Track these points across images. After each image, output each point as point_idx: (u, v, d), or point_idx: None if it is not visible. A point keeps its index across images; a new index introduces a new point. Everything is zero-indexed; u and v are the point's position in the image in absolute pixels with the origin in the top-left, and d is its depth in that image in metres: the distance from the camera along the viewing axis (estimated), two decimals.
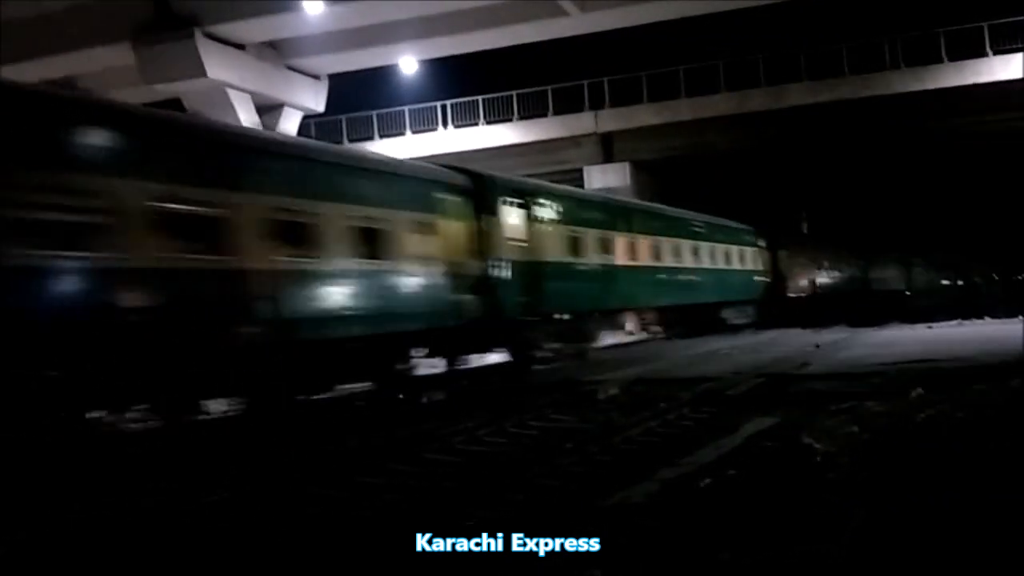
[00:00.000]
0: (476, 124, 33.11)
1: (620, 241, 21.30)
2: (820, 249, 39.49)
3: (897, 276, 43.48)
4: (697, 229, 26.81)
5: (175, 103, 23.54)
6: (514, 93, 32.75)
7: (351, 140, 33.45)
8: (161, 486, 7.93)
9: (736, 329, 27.22)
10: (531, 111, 32.63)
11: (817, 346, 19.89)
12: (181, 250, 10.53)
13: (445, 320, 14.85)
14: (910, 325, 25.87)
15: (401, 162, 16.63)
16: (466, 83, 32.99)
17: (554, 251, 18.30)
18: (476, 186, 16.16)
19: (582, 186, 30.63)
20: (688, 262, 25.48)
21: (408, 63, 26.90)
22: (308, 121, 29.01)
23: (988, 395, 9.87)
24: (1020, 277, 45.22)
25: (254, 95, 24.12)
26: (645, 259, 22.53)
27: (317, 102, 26.78)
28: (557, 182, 26.09)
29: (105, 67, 24.14)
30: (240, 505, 7.22)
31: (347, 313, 12.79)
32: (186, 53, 22.04)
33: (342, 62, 25.87)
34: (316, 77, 26.38)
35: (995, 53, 27.47)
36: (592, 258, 19.84)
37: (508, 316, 16.50)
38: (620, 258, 21.12)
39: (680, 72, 31.10)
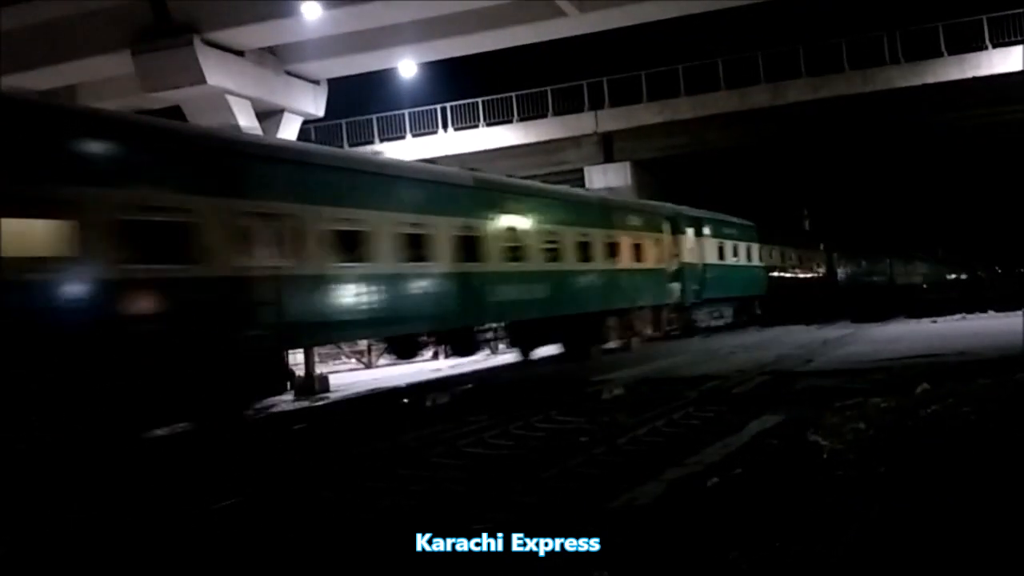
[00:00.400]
0: (476, 126, 33.10)
1: (741, 247, 28.93)
2: (860, 249, 42.15)
3: (914, 271, 46.19)
4: (779, 237, 34.05)
5: (175, 111, 23.57)
6: (514, 94, 32.75)
7: (351, 144, 33.45)
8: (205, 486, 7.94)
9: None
10: (531, 112, 32.64)
11: (825, 343, 19.93)
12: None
13: (663, 301, 23.15)
14: (915, 320, 25.80)
15: (647, 202, 25.15)
16: (466, 85, 33.07)
17: (710, 256, 26.08)
18: (674, 214, 24.54)
19: (583, 186, 30.61)
20: (777, 262, 33.49)
21: (407, 66, 26.88)
22: (308, 126, 29.00)
23: (992, 389, 9.84)
24: (1022, 270, 45.25)
25: (254, 101, 24.07)
26: (756, 261, 30.58)
27: (317, 107, 26.73)
28: (557, 183, 26.13)
29: (104, 76, 24.14)
30: (251, 512, 7.23)
31: (618, 294, 20.92)
32: (185, 60, 21.98)
33: (341, 66, 25.82)
34: (316, 82, 26.33)
35: (995, 46, 27.43)
36: (728, 260, 27.67)
37: (689, 300, 24.35)
38: (742, 260, 29.08)
39: (679, 70, 31.10)
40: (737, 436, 8.87)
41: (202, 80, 22.26)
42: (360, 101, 32.97)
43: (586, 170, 32.30)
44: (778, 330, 25.57)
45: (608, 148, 32.40)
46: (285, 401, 14.60)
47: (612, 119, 31.95)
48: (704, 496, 6.65)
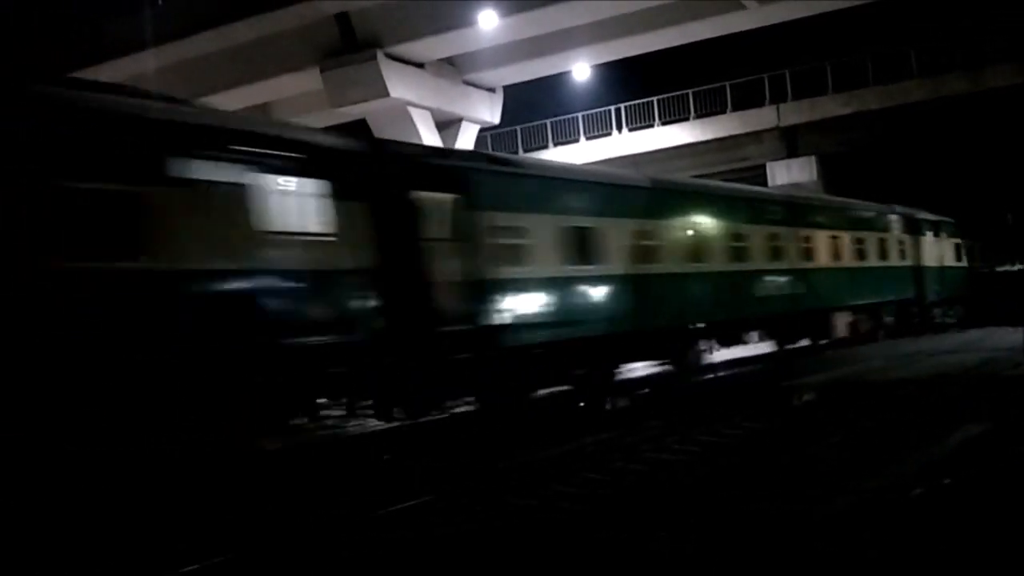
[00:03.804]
0: (651, 125, 32.73)
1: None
2: None
3: None
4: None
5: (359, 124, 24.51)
6: (690, 91, 32.16)
7: (526, 150, 33.81)
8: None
9: None
10: (708, 108, 31.95)
11: None
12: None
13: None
14: None
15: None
16: (639, 84, 32.64)
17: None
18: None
19: (765, 183, 29.69)
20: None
21: (581, 69, 26.88)
22: (484, 134, 29.51)
23: None
24: None
25: (433, 111, 24.71)
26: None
27: (493, 114, 27.15)
28: (735, 180, 25.42)
29: (295, 94, 25.43)
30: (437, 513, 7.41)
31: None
32: (370, 75, 22.81)
33: (517, 73, 26.12)
34: (491, 90, 26.76)
35: None
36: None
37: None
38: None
39: (868, 59, 29.66)
40: (940, 445, 8.31)
41: (385, 93, 23.02)
42: (533, 106, 33.25)
43: (768, 166, 31.30)
44: (979, 332, 23.85)
45: (791, 142, 31.28)
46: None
47: (795, 112, 30.82)
48: (908, 507, 6.26)
